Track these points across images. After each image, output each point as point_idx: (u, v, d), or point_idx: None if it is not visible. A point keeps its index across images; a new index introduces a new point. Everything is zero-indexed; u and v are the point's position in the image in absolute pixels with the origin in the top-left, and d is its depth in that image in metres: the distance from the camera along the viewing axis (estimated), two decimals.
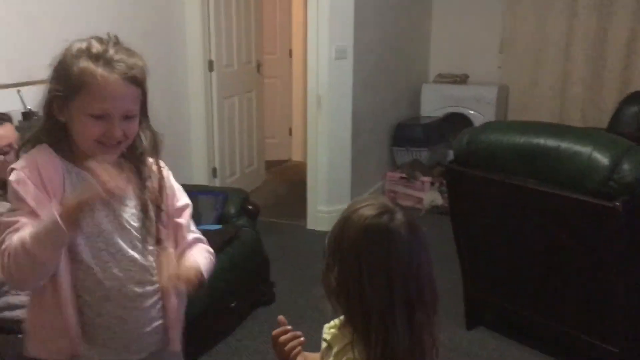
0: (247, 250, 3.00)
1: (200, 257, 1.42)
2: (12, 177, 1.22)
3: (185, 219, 1.46)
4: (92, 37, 1.26)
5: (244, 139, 4.98)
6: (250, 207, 3.22)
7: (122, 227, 1.32)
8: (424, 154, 5.09)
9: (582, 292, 2.44)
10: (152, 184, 1.38)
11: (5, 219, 1.23)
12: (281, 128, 6.26)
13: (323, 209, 4.24)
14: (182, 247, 1.44)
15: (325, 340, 1.22)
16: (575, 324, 2.50)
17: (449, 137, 5.20)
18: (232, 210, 3.13)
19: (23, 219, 1.19)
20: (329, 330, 1.23)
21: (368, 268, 1.08)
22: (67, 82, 1.23)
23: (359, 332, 1.10)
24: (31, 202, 1.20)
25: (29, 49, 2.88)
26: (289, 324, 1.25)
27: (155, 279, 1.37)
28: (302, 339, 1.25)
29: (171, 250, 1.41)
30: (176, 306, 1.41)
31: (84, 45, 1.25)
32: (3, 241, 1.20)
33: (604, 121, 4.67)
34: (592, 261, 2.36)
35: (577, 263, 2.42)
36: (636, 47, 4.98)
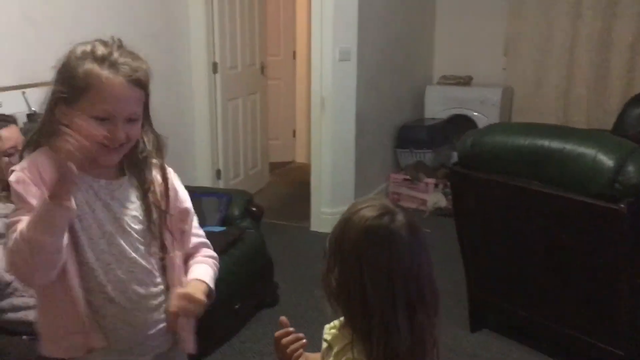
0: (251, 252, 3.00)
1: (205, 269, 1.44)
2: (12, 177, 1.22)
3: (189, 223, 1.46)
4: (95, 40, 1.27)
5: (248, 141, 4.99)
6: (254, 208, 3.22)
7: (123, 230, 1.32)
8: (427, 156, 5.09)
9: (586, 294, 2.44)
10: (156, 187, 1.38)
11: (10, 221, 1.23)
12: (285, 130, 6.26)
13: (327, 211, 4.24)
14: (186, 252, 1.45)
15: (325, 340, 1.22)
16: (579, 326, 2.49)
17: (453, 139, 5.19)
18: (236, 212, 3.13)
19: (25, 217, 1.19)
20: (329, 330, 1.23)
21: (369, 269, 1.08)
22: (71, 84, 1.23)
23: (358, 332, 1.11)
24: (32, 200, 1.20)
25: (34, 51, 2.89)
26: (292, 326, 1.26)
27: (158, 280, 1.37)
28: (304, 340, 1.25)
29: (178, 253, 1.41)
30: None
31: (88, 47, 1.25)
32: (8, 241, 1.20)
33: (608, 123, 4.66)
34: (597, 263, 2.35)
35: (582, 265, 2.41)
36: None
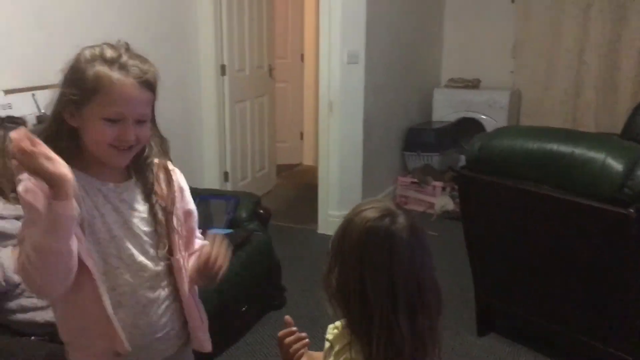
0: (258, 255, 3.00)
1: None
2: (20, 188, 1.18)
3: (194, 224, 1.48)
4: (103, 44, 1.27)
5: (256, 143, 4.99)
6: (261, 211, 3.23)
7: (132, 233, 1.32)
8: (435, 159, 5.08)
9: (595, 298, 2.42)
10: (161, 188, 1.39)
11: (20, 233, 1.21)
12: (293, 132, 6.27)
13: (334, 214, 4.24)
14: (190, 253, 1.45)
15: (327, 340, 1.23)
16: (587, 330, 2.47)
17: (461, 142, 5.18)
18: (244, 214, 3.14)
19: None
20: (332, 330, 1.24)
21: (369, 270, 1.08)
22: (81, 87, 1.23)
23: (357, 333, 1.11)
24: (43, 209, 1.16)
25: (44, 53, 2.90)
26: (299, 328, 1.27)
27: (166, 283, 1.38)
28: (306, 340, 1.26)
29: (184, 254, 1.41)
30: (193, 306, 1.42)
31: (97, 50, 1.25)
32: (19, 254, 1.18)
33: (617, 127, 4.63)
34: (606, 268, 2.33)
35: (590, 269, 2.39)
36: None
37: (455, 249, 2.91)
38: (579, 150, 2.35)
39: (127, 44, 1.29)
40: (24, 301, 1.98)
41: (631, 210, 2.15)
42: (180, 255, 1.39)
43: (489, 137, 2.77)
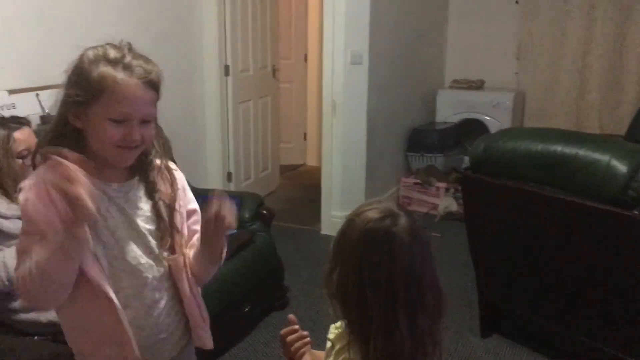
0: (261, 255, 3.00)
1: None
2: (21, 197, 1.22)
3: (198, 223, 1.47)
4: (106, 44, 1.27)
5: (259, 144, 5.00)
6: (264, 211, 3.23)
7: (137, 233, 1.32)
8: (439, 160, 5.07)
9: (599, 300, 2.41)
10: (164, 187, 1.39)
11: (20, 243, 1.24)
12: (296, 133, 6.27)
13: (337, 214, 4.24)
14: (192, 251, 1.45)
15: (329, 339, 1.24)
16: (592, 332, 2.47)
17: (465, 143, 5.18)
18: (247, 214, 3.14)
19: (36, 245, 1.18)
20: (334, 330, 1.25)
21: (368, 271, 1.08)
22: (86, 87, 1.23)
23: (356, 333, 1.11)
24: (42, 225, 1.18)
25: (47, 53, 2.91)
26: (302, 329, 1.27)
27: (169, 283, 1.38)
28: (307, 339, 1.26)
29: (186, 251, 1.41)
30: (194, 304, 1.42)
31: (100, 51, 1.25)
32: (18, 266, 1.20)
33: (621, 128, 4.63)
34: (610, 270, 2.33)
35: (595, 271, 2.39)
36: None
37: (459, 250, 2.91)
38: (583, 152, 2.34)
39: (129, 44, 1.29)
40: None
41: (635, 212, 2.15)
42: (181, 254, 1.39)
43: (492, 138, 2.76)
